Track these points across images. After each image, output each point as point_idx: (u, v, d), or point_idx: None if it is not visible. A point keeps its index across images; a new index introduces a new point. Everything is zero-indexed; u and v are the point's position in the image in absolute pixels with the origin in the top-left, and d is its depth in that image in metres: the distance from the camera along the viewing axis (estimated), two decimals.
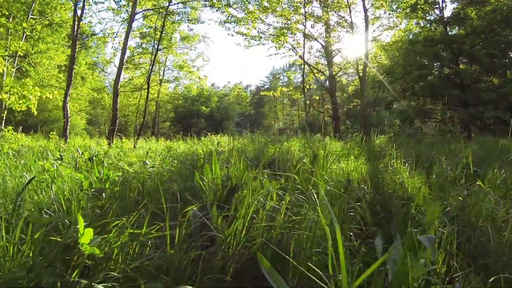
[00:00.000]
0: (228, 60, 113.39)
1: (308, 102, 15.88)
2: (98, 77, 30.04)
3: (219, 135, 10.91)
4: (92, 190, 3.22)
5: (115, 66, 9.52)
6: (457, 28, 18.65)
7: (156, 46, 8.03)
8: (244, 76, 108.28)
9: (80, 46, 27.07)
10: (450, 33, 18.29)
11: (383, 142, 5.53)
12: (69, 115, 8.02)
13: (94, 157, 5.31)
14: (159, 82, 24.71)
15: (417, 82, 14.49)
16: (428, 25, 18.75)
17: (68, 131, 7.93)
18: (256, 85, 74.57)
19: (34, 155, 5.56)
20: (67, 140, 7.94)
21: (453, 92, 13.90)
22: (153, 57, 7.85)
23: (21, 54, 14.18)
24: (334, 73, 14.87)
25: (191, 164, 3.75)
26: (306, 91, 15.43)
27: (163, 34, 22.91)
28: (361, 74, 11.34)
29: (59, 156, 4.09)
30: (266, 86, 61.64)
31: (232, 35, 15.73)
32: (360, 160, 3.50)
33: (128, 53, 20.12)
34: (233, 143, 4.96)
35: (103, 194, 3.24)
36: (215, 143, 6.08)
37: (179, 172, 3.74)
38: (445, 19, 18.07)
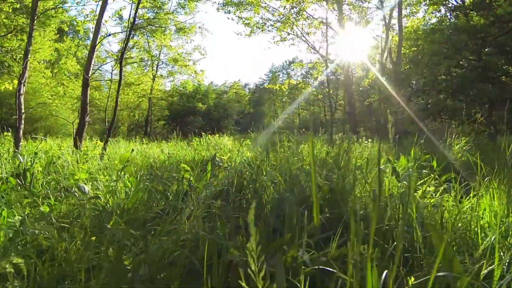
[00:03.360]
0: (227, 57, 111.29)
1: (320, 96, 14.14)
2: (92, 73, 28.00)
3: (217, 135, 9.20)
4: None
5: (86, 49, 7.69)
6: (479, 16, 16.92)
7: (132, 20, 6.23)
8: (243, 72, 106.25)
9: (78, 43, 25.13)
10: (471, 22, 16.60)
11: (464, 148, 3.76)
12: (23, 111, 6.18)
13: (25, 172, 3.54)
14: (152, 77, 22.82)
15: (447, 74, 12.74)
16: (448, 13, 17.05)
17: (21, 132, 6.11)
18: (255, 83, 72.74)
19: None
20: (20, 143, 6.11)
21: (486, 87, 12.18)
22: (127, 31, 6.05)
23: None
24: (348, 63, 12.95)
25: (163, 197, 1.96)
26: (316, 83, 13.70)
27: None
28: (394, 57, 9.53)
29: None
30: (265, 84, 59.68)
31: (232, 19, 13.89)
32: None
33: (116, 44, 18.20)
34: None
35: None
36: (211, 147, 4.29)
37: (141, 213, 1.95)
38: (467, 7, 16.34)
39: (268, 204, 1.92)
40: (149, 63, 22.37)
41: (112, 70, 6.29)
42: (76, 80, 26.18)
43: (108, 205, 2.06)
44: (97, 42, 7.04)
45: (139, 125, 26.58)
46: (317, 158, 3.96)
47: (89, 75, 6.73)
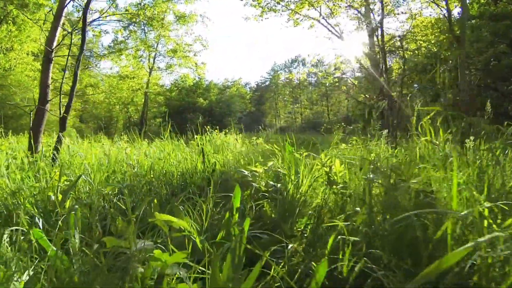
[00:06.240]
0: (227, 58, 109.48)
1: (344, 87, 12.36)
2: (92, 71, 25.83)
3: (223, 132, 7.57)
4: None
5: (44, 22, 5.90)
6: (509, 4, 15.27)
7: None
8: (245, 70, 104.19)
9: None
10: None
11: None
12: None
13: None
14: (149, 70, 20.93)
15: (487, 63, 11.06)
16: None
17: None
18: (256, 81, 70.61)
19: None
20: None
21: None
22: None
23: None
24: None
25: None
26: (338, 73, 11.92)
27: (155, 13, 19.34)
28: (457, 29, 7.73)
29: None
30: (266, 83, 57.86)
31: None
32: None
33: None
34: None
35: None
36: (227, 151, 2.56)
37: None
38: None
39: None
40: (145, 54, 20.51)
41: (73, 30, 4.49)
42: (70, 75, 24.42)
43: None
44: (65, 4, 5.23)
45: (135, 122, 24.72)
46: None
47: (53, 47, 4.91)
